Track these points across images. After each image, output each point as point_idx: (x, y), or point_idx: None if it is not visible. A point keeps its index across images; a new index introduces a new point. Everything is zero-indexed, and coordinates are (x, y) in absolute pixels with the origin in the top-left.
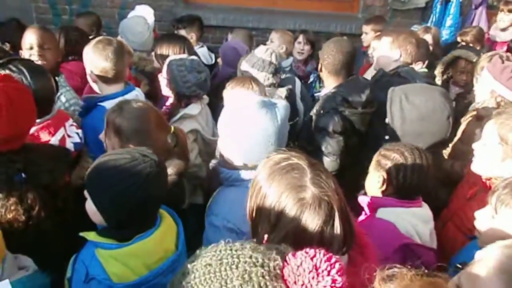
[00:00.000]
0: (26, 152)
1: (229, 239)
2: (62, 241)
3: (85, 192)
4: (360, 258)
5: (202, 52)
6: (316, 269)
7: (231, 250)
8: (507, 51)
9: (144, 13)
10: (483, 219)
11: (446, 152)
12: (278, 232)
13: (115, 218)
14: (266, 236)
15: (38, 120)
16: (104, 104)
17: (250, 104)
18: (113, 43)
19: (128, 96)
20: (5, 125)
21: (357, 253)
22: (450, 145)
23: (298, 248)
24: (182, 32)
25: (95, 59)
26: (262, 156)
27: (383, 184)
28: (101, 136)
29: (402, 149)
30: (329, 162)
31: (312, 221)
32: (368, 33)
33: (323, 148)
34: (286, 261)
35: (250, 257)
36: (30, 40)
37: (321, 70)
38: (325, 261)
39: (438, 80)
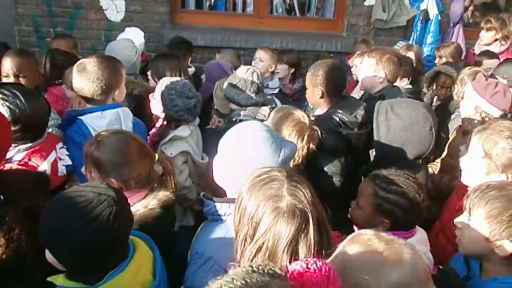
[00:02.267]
0: (2, 176)
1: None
2: (42, 266)
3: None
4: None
5: (190, 72)
6: None
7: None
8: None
9: (134, 36)
10: (462, 226)
11: (435, 168)
12: (255, 243)
13: (78, 267)
14: (247, 249)
15: (30, 144)
16: (82, 118)
17: (255, 133)
18: (103, 64)
19: (107, 113)
20: None
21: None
22: (439, 160)
23: (273, 258)
24: None
25: (82, 81)
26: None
27: (388, 228)
28: (83, 169)
29: (402, 187)
30: (331, 182)
31: (285, 229)
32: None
33: (325, 169)
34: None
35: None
36: (5, 69)
37: (314, 91)
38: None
39: (424, 95)
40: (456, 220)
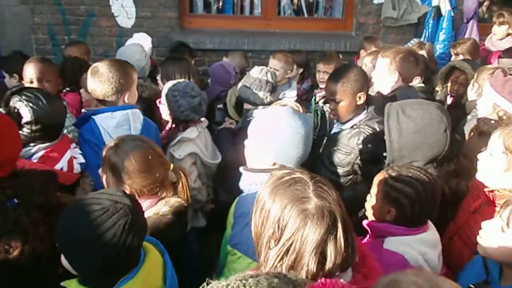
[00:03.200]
0: (15, 177)
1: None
2: (57, 266)
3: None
4: (362, 279)
5: None
6: None
7: (244, 286)
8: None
9: (142, 41)
10: (491, 231)
11: (450, 170)
12: (282, 245)
13: (92, 273)
14: (271, 252)
15: (49, 144)
16: (95, 117)
17: (284, 110)
18: (115, 67)
19: (117, 114)
20: None
21: (361, 274)
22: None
23: (300, 262)
24: None
25: (96, 83)
26: (291, 156)
27: (395, 217)
28: (100, 170)
29: (411, 177)
30: (366, 187)
31: (314, 231)
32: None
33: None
34: None
35: None
36: (29, 75)
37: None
38: None
39: (439, 94)
40: (485, 224)
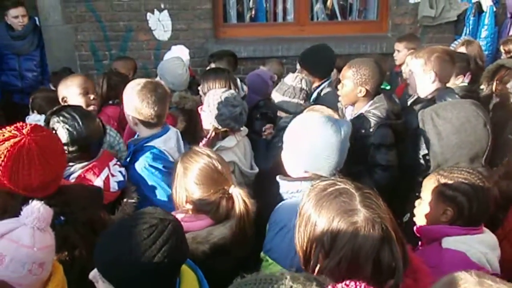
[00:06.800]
0: (60, 194)
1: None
2: None
3: (95, 276)
4: (413, 283)
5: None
6: None
7: (271, 280)
8: None
9: (180, 53)
10: None
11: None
12: (332, 258)
13: None
14: (318, 266)
15: (86, 163)
16: (151, 144)
17: (316, 117)
18: (157, 89)
19: (170, 134)
20: (40, 173)
21: (410, 278)
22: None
23: (353, 273)
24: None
25: (139, 105)
26: (323, 165)
27: (452, 217)
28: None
29: (465, 176)
30: (385, 175)
31: (366, 243)
32: (400, 51)
33: (383, 163)
34: None
35: (291, 287)
36: (85, 85)
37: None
38: None
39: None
40: None
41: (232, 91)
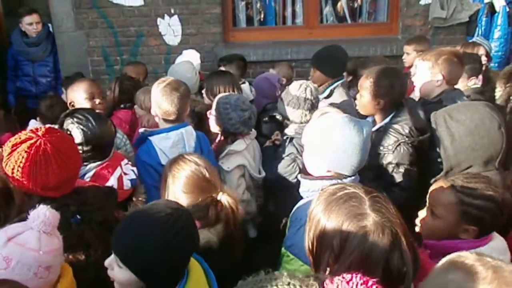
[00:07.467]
0: (77, 194)
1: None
2: None
3: (111, 262)
4: None
5: (244, 88)
6: None
7: (270, 278)
8: None
9: (191, 57)
10: None
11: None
12: (342, 262)
13: (158, 279)
14: (328, 269)
15: (99, 162)
16: (152, 138)
17: (338, 118)
18: (180, 89)
19: (171, 134)
20: (56, 173)
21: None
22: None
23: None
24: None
25: (161, 101)
26: (346, 164)
27: (475, 235)
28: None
29: (484, 189)
30: (402, 195)
31: (376, 248)
32: (410, 54)
33: (402, 183)
34: (323, 286)
35: (288, 284)
36: (92, 89)
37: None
38: (361, 284)
39: (499, 96)
40: None
41: (241, 95)
